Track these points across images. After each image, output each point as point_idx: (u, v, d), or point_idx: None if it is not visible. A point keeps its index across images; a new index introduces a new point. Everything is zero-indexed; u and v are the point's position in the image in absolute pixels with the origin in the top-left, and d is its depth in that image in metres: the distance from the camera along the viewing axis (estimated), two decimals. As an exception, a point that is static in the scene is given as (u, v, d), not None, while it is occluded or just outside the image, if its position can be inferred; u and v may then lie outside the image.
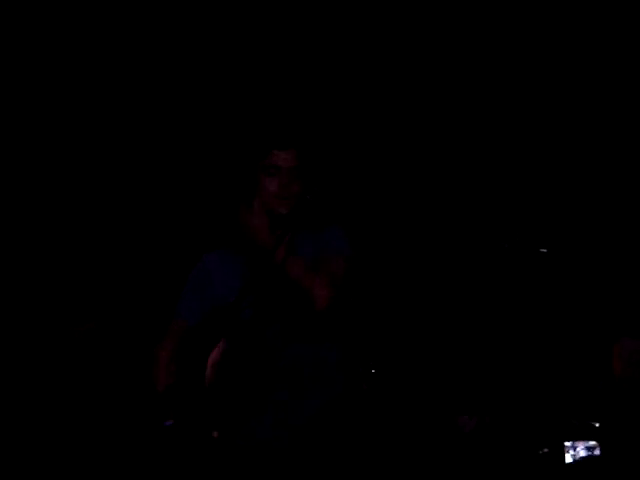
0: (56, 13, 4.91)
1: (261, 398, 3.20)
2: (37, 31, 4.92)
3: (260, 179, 3.16)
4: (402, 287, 5.12)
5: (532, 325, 5.09)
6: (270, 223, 3.13)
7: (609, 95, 5.12)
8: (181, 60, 5.14)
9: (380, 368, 4.55)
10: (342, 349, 3.30)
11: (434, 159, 5.25)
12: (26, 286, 4.84)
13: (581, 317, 5.08)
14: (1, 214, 4.89)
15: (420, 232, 4.98)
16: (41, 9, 4.90)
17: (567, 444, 4.57)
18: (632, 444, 4.42)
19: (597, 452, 4.57)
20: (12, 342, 4.62)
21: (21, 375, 4.60)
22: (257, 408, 3.20)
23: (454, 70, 5.17)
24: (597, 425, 4.62)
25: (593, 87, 5.11)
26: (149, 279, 5.10)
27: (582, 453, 4.57)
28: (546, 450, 4.61)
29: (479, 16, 5.11)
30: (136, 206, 5.15)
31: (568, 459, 4.55)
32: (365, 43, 5.16)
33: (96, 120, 5.12)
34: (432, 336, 5.11)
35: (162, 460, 3.60)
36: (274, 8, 5.07)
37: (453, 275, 5.12)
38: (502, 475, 4.61)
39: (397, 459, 4.22)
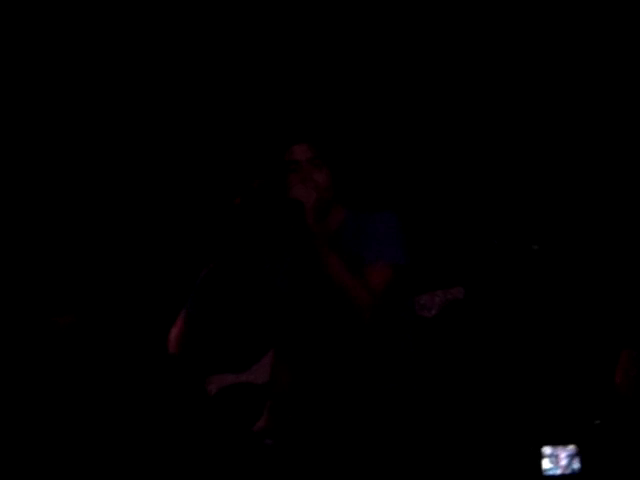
0: (56, 13, 4.95)
1: None
2: (37, 31, 4.96)
3: (287, 178, 3.21)
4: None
5: (523, 323, 5.05)
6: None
7: (602, 93, 5.04)
8: (190, 64, 5.17)
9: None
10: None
11: (425, 155, 5.19)
12: (5, 280, 4.86)
13: (572, 316, 5.03)
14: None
15: (410, 228, 4.92)
16: (41, 9, 4.93)
17: (546, 449, 4.56)
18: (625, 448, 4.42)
19: (577, 458, 4.55)
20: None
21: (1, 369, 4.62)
22: None
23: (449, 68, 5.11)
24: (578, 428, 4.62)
25: (585, 85, 5.03)
26: (131, 271, 5.10)
27: (562, 459, 4.56)
28: (525, 454, 4.61)
29: (480, 16, 5.04)
30: (119, 202, 5.17)
31: (546, 464, 4.55)
32: (370, 40, 5.13)
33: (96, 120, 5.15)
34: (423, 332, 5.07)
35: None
36: (279, 6, 5.05)
37: (443, 272, 5.08)
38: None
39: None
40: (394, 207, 3.46)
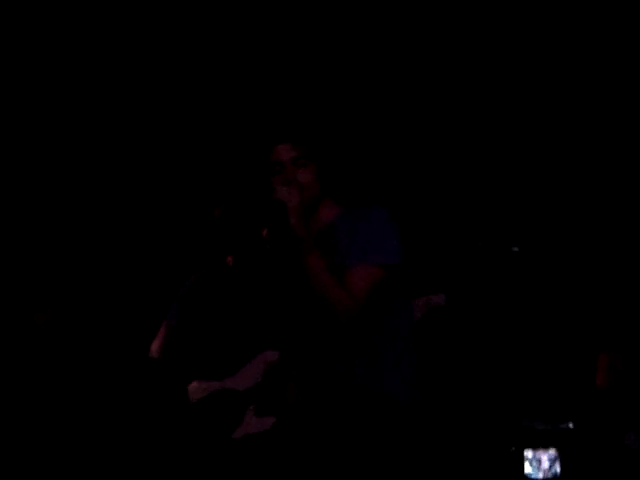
0: (56, 13, 4.96)
1: None
2: (37, 31, 4.97)
3: (272, 179, 3.18)
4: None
5: (504, 325, 5.06)
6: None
7: (573, 97, 5.07)
8: (178, 63, 5.18)
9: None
10: None
11: (409, 157, 5.18)
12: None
13: (553, 319, 5.05)
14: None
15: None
16: (41, 9, 4.94)
17: (528, 453, 4.56)
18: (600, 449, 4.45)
19: (557, 461, 4.57)
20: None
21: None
22: None
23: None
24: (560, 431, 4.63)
25: (557, 89, 5.06)
26: (107, 268, 5.07)
27: (544, 462, 4.57)
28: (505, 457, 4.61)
29: (479, 16, 5.04)
30: (99, 201, 5.17)
31: (528, 468, 4.55)
32: (363, 39, 5.12)
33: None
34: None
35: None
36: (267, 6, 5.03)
37: (426, 274, 5.06)
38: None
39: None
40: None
